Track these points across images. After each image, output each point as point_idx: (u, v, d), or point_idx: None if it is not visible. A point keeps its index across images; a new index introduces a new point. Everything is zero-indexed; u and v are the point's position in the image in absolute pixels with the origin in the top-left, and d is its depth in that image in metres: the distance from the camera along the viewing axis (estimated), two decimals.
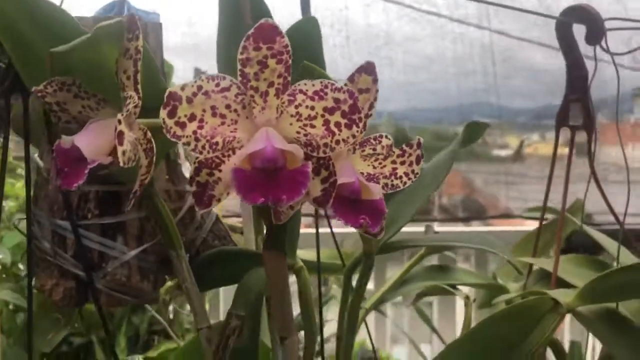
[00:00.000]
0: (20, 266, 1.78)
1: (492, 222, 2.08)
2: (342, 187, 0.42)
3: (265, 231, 0.63)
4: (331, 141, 0.39)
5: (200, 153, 0.39)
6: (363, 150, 0.46)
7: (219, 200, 0.42)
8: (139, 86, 0.43)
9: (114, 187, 0.66)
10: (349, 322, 0.62)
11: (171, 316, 1.79)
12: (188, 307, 1.87)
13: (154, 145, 0.43)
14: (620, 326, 0.62)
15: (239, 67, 0.39)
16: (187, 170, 0.73)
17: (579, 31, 0.77)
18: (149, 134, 0.43)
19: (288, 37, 0.40)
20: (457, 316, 1.70)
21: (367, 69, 0.44)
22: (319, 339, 0.65)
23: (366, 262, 0.60)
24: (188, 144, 0.39)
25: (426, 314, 1.11)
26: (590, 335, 1.52)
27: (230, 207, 1.05)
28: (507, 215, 2.08)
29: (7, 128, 0.61)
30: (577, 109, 0.77)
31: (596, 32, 0.72)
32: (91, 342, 1.75)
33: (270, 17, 0.61)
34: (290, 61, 0.39)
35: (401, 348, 1.64)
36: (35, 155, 0.68)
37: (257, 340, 0.60)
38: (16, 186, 1.46)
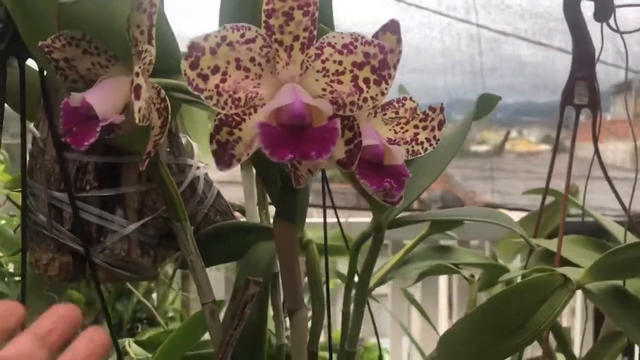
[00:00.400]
0: (0, 253, 1.74)
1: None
2: (364, 150, 0.41)
3: (272, 203, 0.62)
4: (358, 99, 0.38)
5: (222, 109, 0.37)
6: (384, 114, 0.45)
7: (239, 161, 0.40)
8: (154, 41, 0.41)
9: (113, 159, 0.63)
10: (358, 298, 0.60)
11: (155, 304, 1.77)
12: (171, 295, 1.85)
13: (169, 105, 0.41)
14: (629, 303, 0.62)
15: (263, 18, 0.37)
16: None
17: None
18: (163, 93, 0.41)
19: None
20: (440, 298, 1.70)
21: (392, 27, 0.42)
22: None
23: (376, 236, 0.58)
24: (210, 98, 0.37)
25: (413, 297, 1.11)
26: (578, 320, 1.53)
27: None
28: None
29: (3, 94, 0.59)
30: (582, 87, 0.76)
31: (605, 8, 0.71)
32: None
33: None
34: (317, 14, 0.37)
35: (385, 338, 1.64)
36: (30, 124, 0.65)
37: (265, 316, 0.58)
38: None
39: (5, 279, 1.68)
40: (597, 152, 0.80)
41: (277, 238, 0.54)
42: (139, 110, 0.38)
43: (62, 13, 0.41)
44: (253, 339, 0.56)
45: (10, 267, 1.72)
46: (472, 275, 0.75)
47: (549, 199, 1.09)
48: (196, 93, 0.36)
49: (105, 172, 0.63)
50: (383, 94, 0.37)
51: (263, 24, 0.37)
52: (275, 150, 0.35)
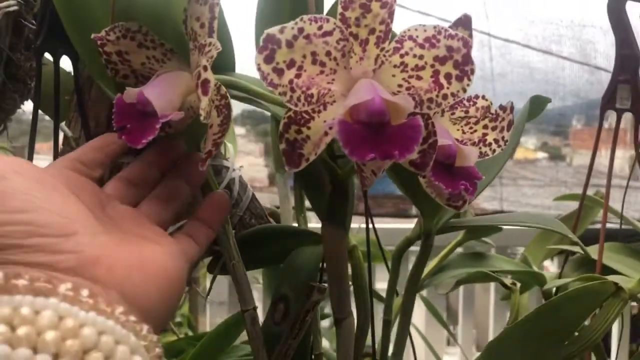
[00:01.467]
0: None
1: None
2: (437, 150, 0.39)
3: (312, 208, 0.60)
4: (437, 95, 0.36)
5: (295, 106, 0.35)
6: (453, 113, 0.42)
7: (307, 160, 0.38)
8: (215, 35, 0.39)
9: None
10: (405, 306, 0.58)
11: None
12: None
13: (230, 102, 0.39)
14: None
15: (339, 10, 0.35)
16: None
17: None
18: (224, 89, 0.39)
19: None
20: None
21: (464, 22, 0.40)
22: None
23: (425, 241, 0.56)
24: (284, 94, 0.35)
25: (434, 307, 1.09)
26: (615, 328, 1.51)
27: None
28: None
29: (38, 92, 0.56)
30: (625, 91, 0.74)
31: None
32: None
33: None
34: (395, 6, 0.35)
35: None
36: (62, 123, 0.63)
37: (314, 324, 0.56)
38: None
39: None
40: (638, 157, 0.77)
41: (326, 245, 0.51)
42: (207, 109, 0.35)
43: (117, 3, 0.39)
44: (299, 349, 0.54)
45: None
46: (514, 283, 0.73)
47: (575, 205, 1.07)
48: (270, 89, 0.34)
49: None
50: (464, 90, 0.35)
51: (339, 17, 0.35)
52: (355, 149, 0.33)
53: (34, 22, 0.62)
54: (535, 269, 0.84)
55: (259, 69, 0.34)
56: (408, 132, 0.33)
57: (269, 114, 0.48)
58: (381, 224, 1.31)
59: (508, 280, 0.72)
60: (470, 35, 0.41)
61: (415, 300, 0.58)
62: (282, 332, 0.58)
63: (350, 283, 0.59)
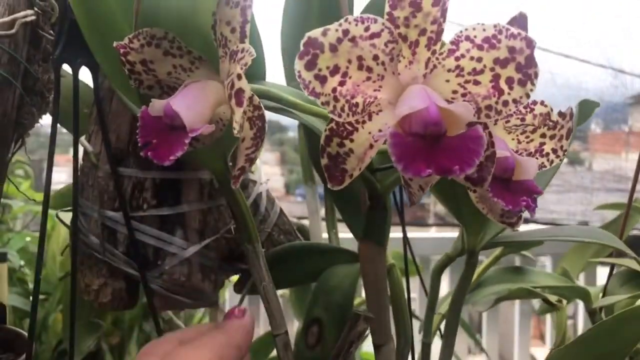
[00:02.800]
0: (27, 270, 1.70)
1: None
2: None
3: (346, 223, 0.56)
4: (497, 102, 0.32)
5: (339, 116, 0.32)
6: (508, 121, 0.39)
7: (351, 177, 0.34)
8: (247, 40, 0.35)
9: (174, 174, 0.58)
10: (449, 327, 0.54)
11: (182, 322, 1.71)
12: (198, 313, 1.80)
13: (264, 113, 0.36)
14: None
15: (386, 9, 0.32)
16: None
17: None
18: (257, 100, 0.36)
19: None
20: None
21: (520, 22, 0.37)
22: None
23: (469, 260, 0.52)
24: (327, 103, 0.31)
25: (467, 323, 1.04)
26: None
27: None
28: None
29: (57, 104, 0.53)
30: None
31: None
32: (100, 349, 1.66)
33: None
34: (447, 4, 0.32)
35: None
36: (82, 138, 0.60)
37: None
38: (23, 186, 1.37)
39: (31, 297, 1.63)
40: None
41: (364, 263, 0.48)
42: (241, 122, 0.32)
43: (141, 9, 0.35)
44: None
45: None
46: (560, 301, 0.68)
47: (612, 214, 1.02)
48: (312, 98, 0.31)
49: (165, 189, 0.58)
50: (528, 96, 0.31)
51: (386, 16, 0.32)
52: (409, 165, 0.29)
53: (52, 32, 0.59)
54: (579, 283, 0.80)
55: (299, 76, 0.31)
56: (468, 144, 0.30)
57: (284, 122, 0.44)
58: (396, 232, 1.27)
59: (553, 297, 0.68)
60: None
61: (459, 321, 0.54)
62: (315, 356, 0.55)
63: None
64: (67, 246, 0.83)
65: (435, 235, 1.95)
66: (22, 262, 1.64)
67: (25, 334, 0.68)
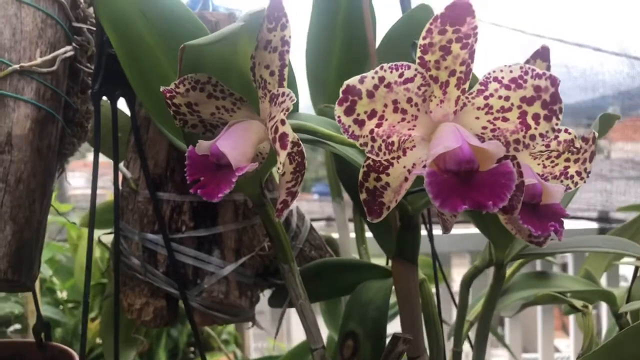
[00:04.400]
0: (55, 280, 1.74)
1: None
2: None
3: (377, 240, 0.58)
4: (524, 136, 0.34)
5: (377, 155, 0.34)
6: (534, 148, 0.40)
7: (388, 209, 0.36)
8: (285, 83, 0.38)
9: None
10: (479, 337, 0.56)
11: (209, 329, 1.75)
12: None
13: (303, 149, 0.38)
14: None
15: (418, 54, 0.34)
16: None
17: None
18: (296, 137, 0.38)
19: (402, 26, 0.35)
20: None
21: (543, 54, 0.39)
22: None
23: (497, 273, 0.54)
24: (365, 144, 0.34)
25: (497, 331, 1.06)
26: None
27: None
28: None
29: (98, 134, 0.56)
30: None
31: None
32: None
33: (374, 14, 0.57)
34: (475, 46, 0.34)
35: None
36: (121, 164, 0.63)
37: None
38: None
39: (60, 306, 1.68)
40: None
41: (397, 281, 0.50)
42: (284, 161, 0.34)
43: (185, 55, 0.38)
44: None
45: (64, 294, 1.72)
46: (586, 306, 0.70)
47: (633, 214, 1.03)
48: (351, 140, 0.33)
49: (201, 212, 0.61)
50: (553, 130, 0.34)
51: (417, 60, 0.34)
52: (446, 201, 0.31)
53: (88, 64, 0.62)
54: (604, 286, 0.81)
55: (339, 121, 0.33)
56: (499, 179, 0.32)
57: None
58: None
59: (578, 303, 0.69)
60: (549, 67, 0.39)
61: (489, 330, 0.56)
62: None
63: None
64: (107, 267, 0.86)
65: (453, 231, 1.96)
66: (51, 272, 1.69)
67: (69, 350, 0.71)
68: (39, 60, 0.55)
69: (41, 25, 0.56)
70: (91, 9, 0.61)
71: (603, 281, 1.27)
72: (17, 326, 1.44)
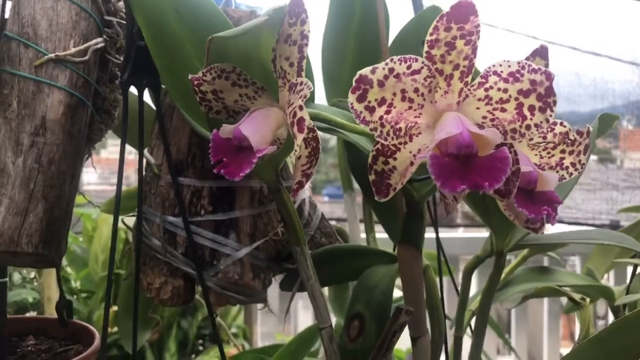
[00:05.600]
0: (69, 270, 1.79)
1: None
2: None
3: (384, 228, 0.62)
4: (521, 126, 0.37)
5: (385, 140, 0.37)
6: (531, 139, 0.44)
7: (394, 190, 0.40)
8: (303, 73, 0.41)
9: (228, 183, 0.64)
10: (479, 324, 0.59)
11: (221, 320, 1.78)
12: (234, 311, 1.86)
13: (317, 135, 0.42)
14: None
15: (425, 49, 0.37)
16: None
17: None
18: (312, 123, 0.42)
19: (413, 26, 0.38)
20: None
21: (541, 52, 0.42)
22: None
23: (498, 261, 0.57)
24: (375, 129, 0.37)
25: (496, 323, 1.08)
26: None
27: None
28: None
29: (126, 123, 0.60)
30: None
31: None
32: (141, 346, 1.74)
33: (388, 15, 0.60)
34: (478, 42, 0.37)
35: None
36: (145, 150, 0.67)
37: None
38: None
39: (75, 295, 1.72)
40: None
41: (402, 265, 0.53)
42: (300, 143, 0.38)
43: (212, 47, 0.42)
44: None
45: (78, 284, 1.76)
46: (584, 299, 0.73)
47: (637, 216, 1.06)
48: (362, 128, 0.36)
49: (220, 197, 0.64)
50: (547, 120, 0.37)
51: (424, 54, 0.37)
52: (446, 182, 0.35)
53: (117, 56, 0.66)
54: (607, 282, 0.84)
55: (352, 107, 0.36)
56: (496, 163, 0.35)
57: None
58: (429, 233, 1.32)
59: (577, 295, 0.72)
60: (547, 65, 0.42)
61: (488, 317, 0.59)
62: (357, 348, 0.60)
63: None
64: (129, 248, 0.90)
65: (463, 235, 1.98)
66: (66, 262, 1.73)
67: (90, 327, 0.75)
68: (72, 50, 0.59)
69: (75, 18, 0.60)
70: (121, 3, 0.65)
71: (611, 281, 1.29)
72: (33, 313, 1.49)
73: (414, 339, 0.55)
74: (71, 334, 0.75)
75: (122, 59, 0.61)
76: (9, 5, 0.59)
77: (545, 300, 1.62)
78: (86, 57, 0.60)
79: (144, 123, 0.67)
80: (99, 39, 0.62)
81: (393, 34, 0.62)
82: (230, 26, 0.48)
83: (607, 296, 0.79)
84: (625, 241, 0.57)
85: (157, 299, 0.67)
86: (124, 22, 0.62)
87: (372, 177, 0.39)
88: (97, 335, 0.69)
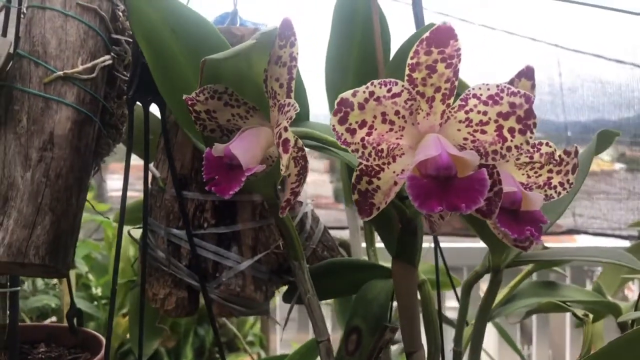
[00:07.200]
0: (90, 276, 1.82)
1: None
2: (503, 197, 0.41)
3: (384, 244, 0.62)
4: (501, 147, 0.38)
5: (367, 160, 0.38)
6: (518, 159, 0.44)
7: (378, 209, 0.40)
8: (293, 94, 0.42)
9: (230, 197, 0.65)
10: (475, 338, 0.59)
11: (234, 328, 1.80)
12: (250, 319, 1.86)
13: (306, 154, 0.43)
14: None
15: (407, 72, 0.38)
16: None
17: None
18: (300, 142, 0.43)
19: (411, 44, 0.39)
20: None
21: (527, 73, 0.42)
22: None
23: (494, 277, 0.58)
24: (356, 151, 0.38)
25: (507, 334, 1.08)
26: None
27: None
28: (563, 232, 2.04)
29: (131, 137, 0.62)
30: None
31: None
32: (158, 352, 1.76)
33: (389, 32, 0.61)
34: (459, 65, 0.38)
35: None
36: (151, 165, 0.69)
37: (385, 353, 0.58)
38: None
39: (95, 302, 1.76)
40: None
41: (396, 280, 0.54)
42: (287, 164, 0.39)
43: (205, 69, 0.43)
44: None
45: (99, 290, 1.79)
46: (586, 315, 0.72)
47: None
48: (343, 147, 0.37)
49: (222, 210, 0.66)
50: (527, 142, 0.37)
51: (406, 77, 0.38)
52: (424, 203, 0.35)
53: (124, 72, 0.68)
54: (610, 298, 0.83)
55: (333, 129, 0.37)
56: (474, 185, 0.36)
57: None
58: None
59: (580, 311, 0.72)
60: (534, 86, 0.43)
61: (484, 332, 0.59)
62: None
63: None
64: (136, 259, 0.92)
65: (469, 245, 1.96)
66: (87, 269, 1.77)
67: (99, 335, 0.77)
68: (80, 68, 0.61)
69: (83, 37, 0.62)
70: (129, 22, 0.67)
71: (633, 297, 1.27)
72: (54, 319, 1.52)
73: (408, 354, 0.56)
74: (81, 342, 0.77)
75: (129, 76, 0.63)
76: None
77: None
78: (93, 75, 0.62)
79: (152, 136, 0.69)
80: (107, 57, 0.64)
81: (396, 46, 0.63)
82: (227, 46, 0.49)
83: (614, 312, 0.78)
84: (625, 259, 0.57)
85: (162, 309, 0.69)
86: (131, 40, 0.64)
87: (355, 197, 0.40)
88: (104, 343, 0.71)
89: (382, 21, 0.59)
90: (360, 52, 0.64)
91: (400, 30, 0.69)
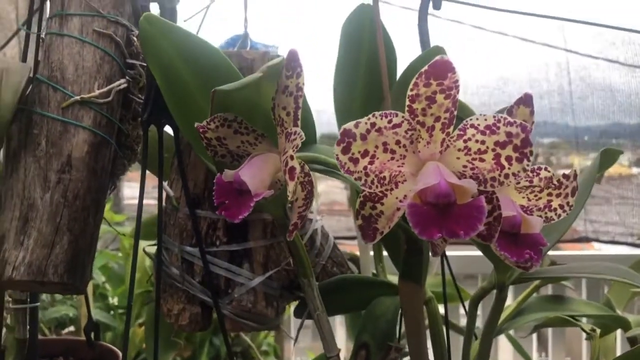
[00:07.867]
0: (107, 286, 1.84)
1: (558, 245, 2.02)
2: (502, 221, 0.42)
3: (392, 261, 0.64)
4: (499, 175, 0.39)
5: (370, 188, 0.40)
6: (518, 182, 0.46)
7: (382, 234, 0.42)
8: (299, 122, 0.44)
9: None
10: (481, 355, 0.60)
11: (248, 339, 1.81)
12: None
13: (312, 179, 0.44)
14: None
15: (407, 103, 0.40)
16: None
17: None
18: (307, 168, 0.44)
19: (416, 68, 0.40)
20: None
21: (525, 101, 0.44)
22: None
23: (500, 293, 0.59)
24: (359, 179, 0.40)
25: (521, 346, 1.08)
26: None
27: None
28: (576, 240, 2.04)
29: (145, 157, 0.64)
30: None
31: None
32: None
33: (394, 52, 0.63)
34: (457, 96, 0.39)
35: None
36: (165, 184, 0.71)
37: None
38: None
39: (111, 311, 1.78)
40: None
41: (403, 299, 0.55)
42: (294, 190, 0.41)
43: (215, 98, 0.45)
44: None
45: (115, 300, 1.82)
46: (594, 330, 0.73)
47: None
48: (346, 175, 0.39)
49: (234, 228, 0.68)
50: (524, 170, 0.39)
51: (407, 108, 0.40)
52: (424, 230, 0.37)
53: (139, 95, 0.70)
54: (619, 312, 0.84)
55: (337, 159, 0.39)
56: (473, 212, 0.37)
57: None
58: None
59: (587, 326, 0.72)
60: (532, 112, 0.44)
61: (490, 349, 0.60)
62: None
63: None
64: (150, 275, 0.95)
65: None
66: (104, 279, 1.79)
67: (116, 349, 0.79)
68: (96, 92, 0.63)
69: (100, 62, 0.64)
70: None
71: None
72: (72, 328, 1.55)
73: None
74: (98, 355, 0.79)
75: (143, 99, 0.66)
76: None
77: (584, 320, 1.60)
78: (109, 98, 0.64)
79: (167, 155, 0.71)
80: (122, 81, 0.66)
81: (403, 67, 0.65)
82: (236, 73, 0.51)
83: (624, 326, 0.79)
84: (628, 276, 0.57)
85: (176, 324, 0.71)
86: (146, 64, 0.66)
87: (359, 222, 0.42)
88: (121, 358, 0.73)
89: (387, 42, 0.61)
90: (367, 71, 0.65)
91: (407, 37, 0.70)
